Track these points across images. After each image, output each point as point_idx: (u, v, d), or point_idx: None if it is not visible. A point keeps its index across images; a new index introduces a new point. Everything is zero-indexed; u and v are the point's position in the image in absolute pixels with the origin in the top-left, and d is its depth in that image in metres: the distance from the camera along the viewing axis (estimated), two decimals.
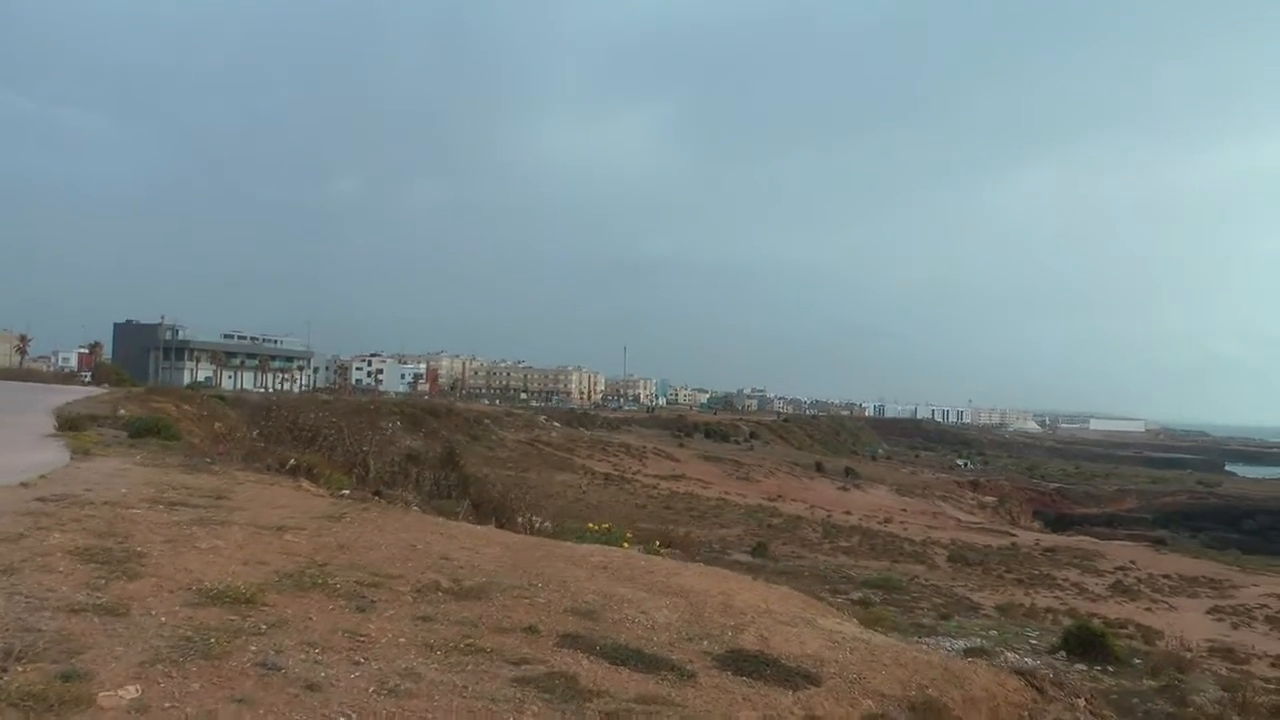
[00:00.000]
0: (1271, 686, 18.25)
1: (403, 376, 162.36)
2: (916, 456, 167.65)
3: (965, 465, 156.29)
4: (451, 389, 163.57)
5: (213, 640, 4.97)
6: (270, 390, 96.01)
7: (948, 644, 15.91)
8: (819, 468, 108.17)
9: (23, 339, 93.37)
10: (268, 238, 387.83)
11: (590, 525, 16.36)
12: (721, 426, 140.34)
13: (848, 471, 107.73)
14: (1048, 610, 32.04)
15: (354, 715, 4.31)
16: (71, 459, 12.20)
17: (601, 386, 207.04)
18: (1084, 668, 14.40)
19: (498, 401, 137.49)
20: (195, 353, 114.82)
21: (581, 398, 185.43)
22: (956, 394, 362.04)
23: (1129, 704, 11.38)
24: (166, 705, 4.08)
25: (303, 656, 4.99)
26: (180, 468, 11.96)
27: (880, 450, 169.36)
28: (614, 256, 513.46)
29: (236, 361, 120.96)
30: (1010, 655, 15.15)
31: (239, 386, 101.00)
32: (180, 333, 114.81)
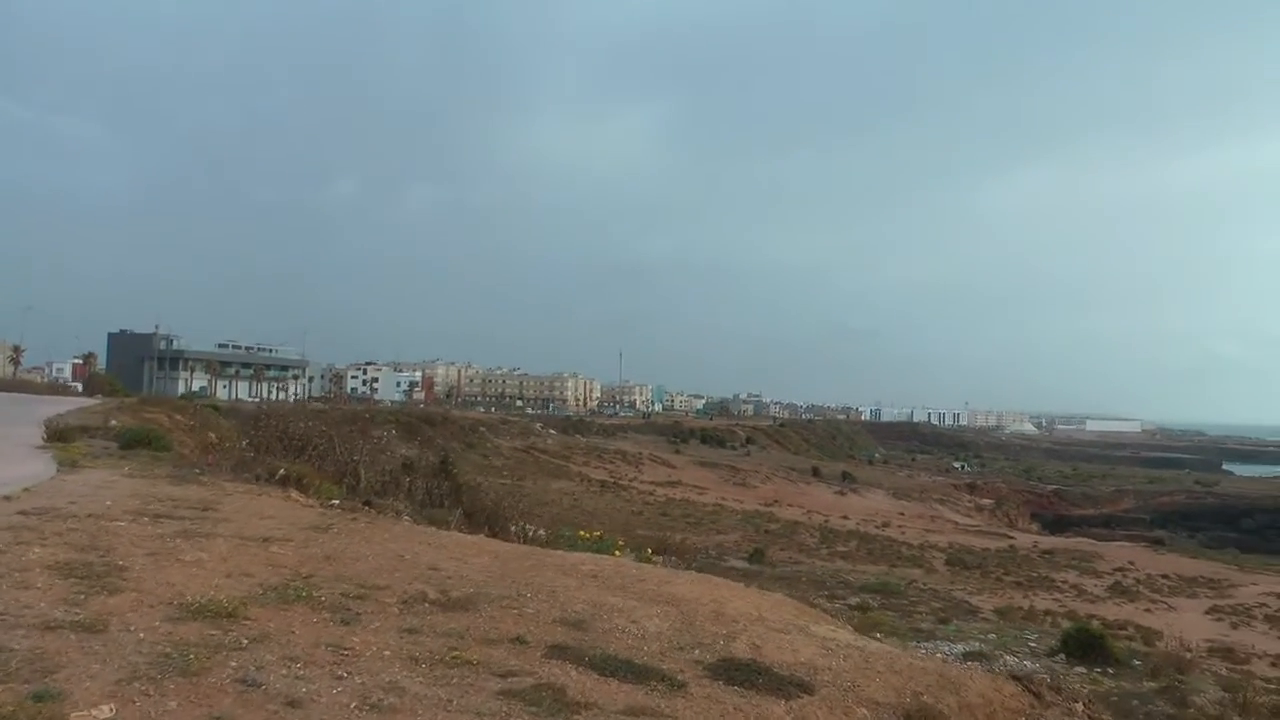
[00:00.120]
0: (1272, 686, 18.17)
1: (398, 385, 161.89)
2: (913, 460, 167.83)
3: (962, 468, 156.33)
4: (447, 397, 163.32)
5: (192, 656, 4.87)
6: (264, 400, 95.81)
7: (946, 648, 15.82)
8: (815, 472, 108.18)
9: (16, 349, 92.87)
10: (265, 241, 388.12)
11: (582, 533, 16.26)
12: (717, 432, 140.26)
13: (844, 476, 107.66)
14: (1046, 613, 31.96)
15: None
16: (58, 471, 12.08)
17: (597, 393, 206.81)
18: (1083, 670, 14.33)
19: (493, 409, 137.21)
20: (190, 362, 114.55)
21: (577, 404, 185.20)
22: (953, 397, 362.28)
23: (1129, 706, 11.31)
24: None
25: (284, 672, 4.89)
26: (168, 479, 11.84)
27: (877, 454, 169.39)
28: (609, 260, 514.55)
29: (231, 371, 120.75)
30: (1009, 659, 15.09)
31: (234, 396, 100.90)
32: (175, 342, 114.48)
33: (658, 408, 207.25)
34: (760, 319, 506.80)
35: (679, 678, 5.70)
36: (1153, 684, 13.30)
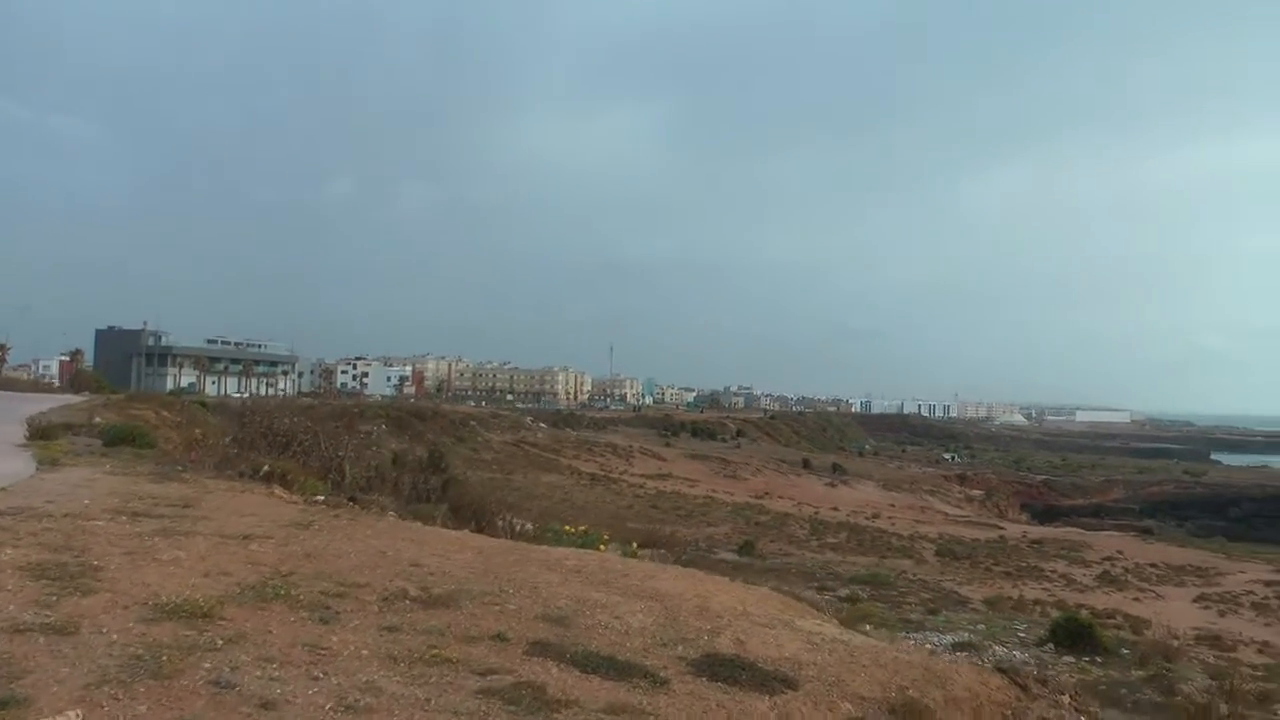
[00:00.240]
0: (1259, 673, 18.23)
1: (388, 379, 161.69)
2: (903, 451, 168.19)
3: (952, 459, 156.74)
4: (438, 391, 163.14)
5: (164, 658, 4.78)
6: (252, 395, 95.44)
7: (935, 639, 15.83)
8: (806, 464, 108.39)
9: (1, 347, 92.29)
10: (261, 240, 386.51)
11: (567, 528, 16.17)
12: (708, 425, 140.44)
13: (835, 468, 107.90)
14: (1036, 602, 32.07)
15: None
16: (38, 469, 11.95)
17: (588, 387, 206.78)
18: (1072, 660, 14.35)
19: (484, 403, 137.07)
20: (178, 359, 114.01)
21: (568, 398, 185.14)
22: (943, 389, 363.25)
23: (1117, 695, 11.31)
24: None
25: (259, 673, 4.80)
26: (150, 476, 11.73)
27: (867, 446, 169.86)
28: (601, 257, 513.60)
29: (220, 367, 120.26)
30: (999, 649, 15.10)
31: (222, 392, 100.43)
32: (163, 338, 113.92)
33: (648, 401, 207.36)
34: (750, 314, 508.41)
35: (661, 674, 5.63)
36: (1141, 672, 13.32)
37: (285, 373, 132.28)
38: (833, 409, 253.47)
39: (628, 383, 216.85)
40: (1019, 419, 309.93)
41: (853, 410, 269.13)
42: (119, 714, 4.07)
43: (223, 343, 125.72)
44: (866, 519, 66.80)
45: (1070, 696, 7.65)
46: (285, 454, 14.46)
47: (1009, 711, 6.72)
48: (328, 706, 4.46)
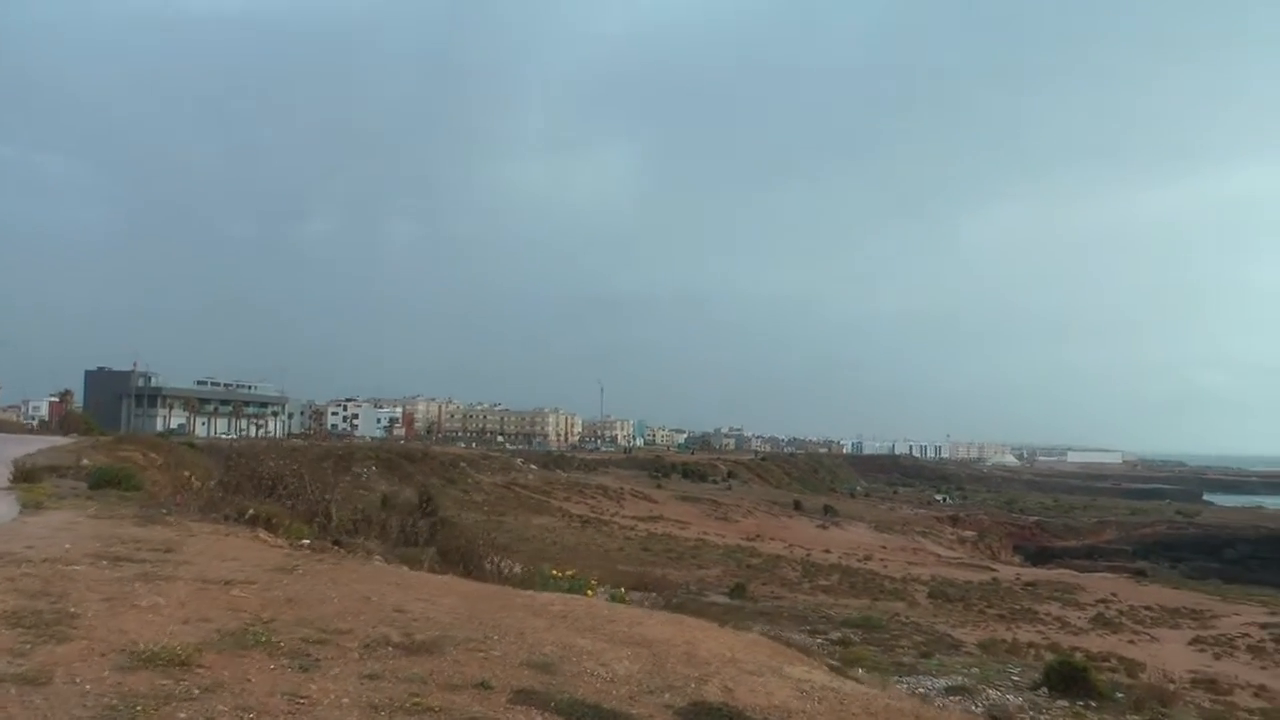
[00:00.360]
0: (1255, 718, 18.10)
1: (378, 421, 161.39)
2: (895, 493, 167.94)
3: (944, 500, 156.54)
4: (428, 433, 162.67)
5: (139, 708, 4.67)
6: (241, 437, 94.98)
7: (929, 683, 15.66)
8: (797, 506, 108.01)
9: None
10: (245, 276, 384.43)
11: (555, 572, 16.02)
12: (699, 466, 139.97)
13: (826, 509, 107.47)
14: (1030, 645, 31.84)
15: None
16: (20, 513, 11.82)
17: (579, 428, 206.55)
18: (1066, 704, 14.20)
19: (474, 445, 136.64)
20: (168, 400, 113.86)
21: (559, 440, 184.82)
22: (934, 429, 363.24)
23: None
24: None
25: None
26: (133, 520, 11.60)
27: (859, 487, 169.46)
28: (589, 292, 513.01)
29: (210, 408, 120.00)
30: (992, 693, 14.94)
31: (212, 433, 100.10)
32: (153, 380, 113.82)
33: (639, 442, 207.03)
34: (739, 352, 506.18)
35: None
36: (1136, 717, 13.22)
37: (275, 414, 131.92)
38: (824, 450, 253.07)
39: (618, 424, 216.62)
40: (1011, 460, 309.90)
41: (844, 451, 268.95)
42: None
43: (213, 384, 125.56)
44: (859, 561, 66.37)
45: None
46: (271, 497, 14.33)
47: None
48: None
